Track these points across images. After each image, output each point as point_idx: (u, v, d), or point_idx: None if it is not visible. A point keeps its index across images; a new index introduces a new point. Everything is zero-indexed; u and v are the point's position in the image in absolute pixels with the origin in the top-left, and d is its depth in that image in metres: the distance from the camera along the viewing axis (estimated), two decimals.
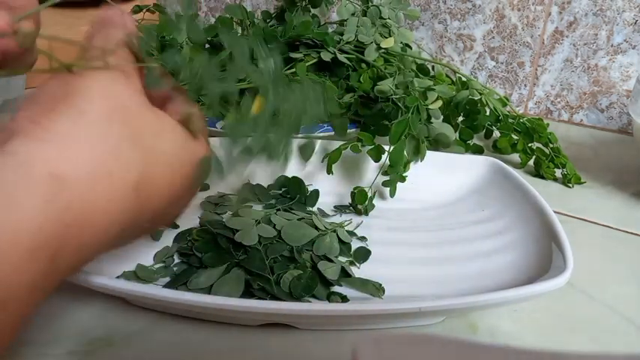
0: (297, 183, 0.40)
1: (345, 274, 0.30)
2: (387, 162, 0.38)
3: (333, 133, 0.47)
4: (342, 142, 0.40)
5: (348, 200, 0.40)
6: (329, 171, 0.39)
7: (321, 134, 0.47)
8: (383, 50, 0.53)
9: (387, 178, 0.39)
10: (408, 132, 0.38)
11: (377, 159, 0.39)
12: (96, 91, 0.18)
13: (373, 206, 0.39)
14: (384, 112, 0.44)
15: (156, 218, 0.22)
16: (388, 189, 0.39)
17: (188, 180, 0.22)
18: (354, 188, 0.39)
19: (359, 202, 0.38)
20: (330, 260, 0.30)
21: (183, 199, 0.24)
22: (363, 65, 0.52)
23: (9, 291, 0.15)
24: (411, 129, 0.38)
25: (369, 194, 0.38)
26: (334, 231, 0.33)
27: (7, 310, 0.15)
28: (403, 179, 0.39)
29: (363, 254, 0.33)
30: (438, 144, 0.44)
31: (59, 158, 0.16)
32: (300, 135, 0.46)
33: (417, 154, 0.40)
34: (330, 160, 0.39)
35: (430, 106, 0.41)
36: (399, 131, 0.38)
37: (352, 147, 0.39)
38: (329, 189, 0.41)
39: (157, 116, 0.21)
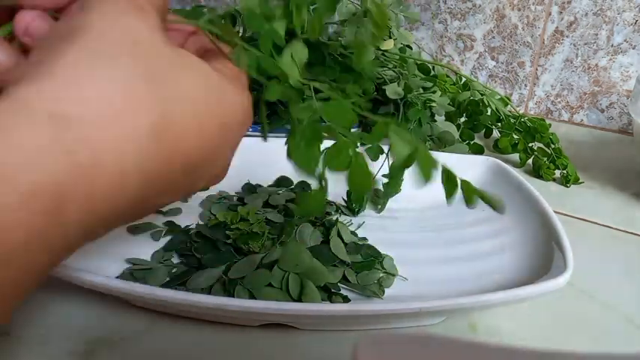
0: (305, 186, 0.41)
1: (344, 279, 0.30)
2: (386, 163, 0.38)
3: None
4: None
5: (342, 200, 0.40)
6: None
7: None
8: (382, 52, 0.53)
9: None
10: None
11: (374, 158, 0.39)
12: (101, 25, 0.17)
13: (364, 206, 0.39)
14: (390, 113, 0.44)
15: (190, 172, 0.19)
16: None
17: (223, 129, 0.20)
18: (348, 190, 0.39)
19: (355, 202, 0.38)
20: (333, 264, 0.30)
21: (221, 153, 0.21)
22: None
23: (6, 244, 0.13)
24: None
25: (365, 196, 0.38)
26: (339, 235, 0.33)
27: (9, 267, 0.14)
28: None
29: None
30: (442, 142, 0.44)
31: (61, 98, 0.15)
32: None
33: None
34: None
35: (434, 103, 0.41)
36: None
37: None
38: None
39: (178, 54, 0.19)
